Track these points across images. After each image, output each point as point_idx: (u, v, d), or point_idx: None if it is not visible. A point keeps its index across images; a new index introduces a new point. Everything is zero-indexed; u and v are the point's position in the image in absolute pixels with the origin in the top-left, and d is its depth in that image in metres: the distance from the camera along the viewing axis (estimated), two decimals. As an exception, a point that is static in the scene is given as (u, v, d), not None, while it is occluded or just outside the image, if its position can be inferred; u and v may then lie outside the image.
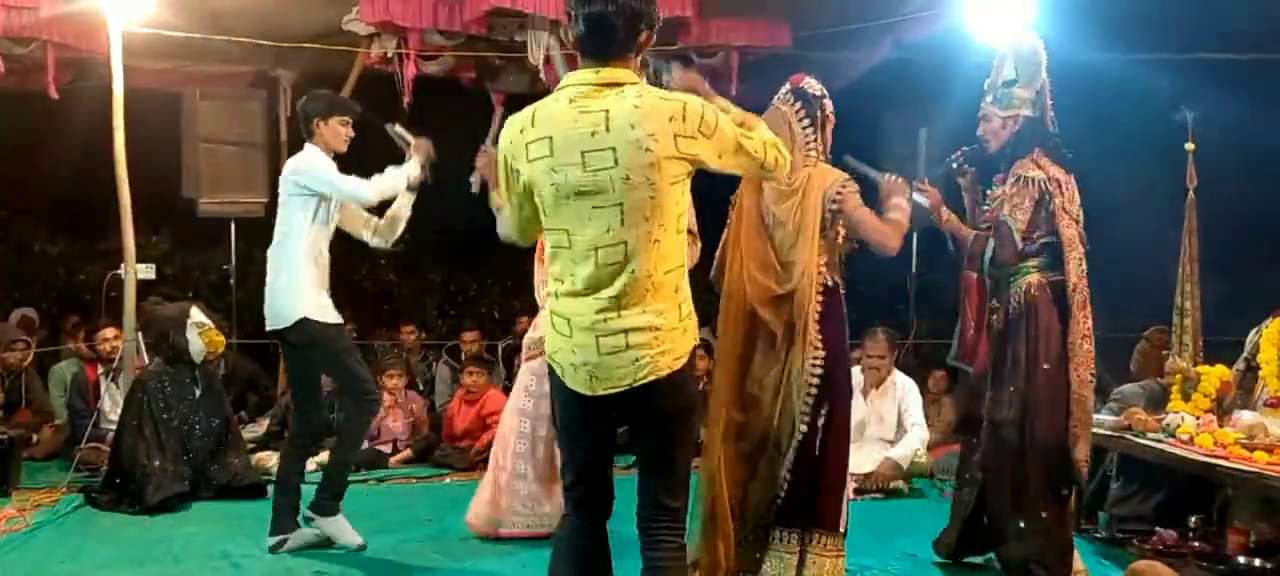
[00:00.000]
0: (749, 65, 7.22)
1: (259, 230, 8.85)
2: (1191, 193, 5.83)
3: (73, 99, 7.05)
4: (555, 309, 2.56)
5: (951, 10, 6.44)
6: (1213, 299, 5.97)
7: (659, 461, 2.60)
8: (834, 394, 3.53)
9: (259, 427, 6.88)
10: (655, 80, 3.45)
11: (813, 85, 3.73)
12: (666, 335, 2.49)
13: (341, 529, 4.42)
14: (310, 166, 4.29)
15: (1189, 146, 5.75)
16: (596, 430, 2.62)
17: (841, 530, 3.55)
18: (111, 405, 6.31)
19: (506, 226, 2.75)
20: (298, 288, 4.24)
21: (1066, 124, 3.98)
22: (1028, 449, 3.77)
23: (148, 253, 7.78)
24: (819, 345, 3.48)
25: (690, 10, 6.58)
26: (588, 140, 2.42)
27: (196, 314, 5.65)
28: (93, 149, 6.41)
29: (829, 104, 3.74)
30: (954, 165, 4.13)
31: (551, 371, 2.61)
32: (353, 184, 4.27)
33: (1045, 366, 3.77)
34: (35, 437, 6.58)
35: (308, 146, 4.40)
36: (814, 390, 3.48)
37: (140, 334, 6.11)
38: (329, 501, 4.45)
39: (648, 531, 2.60)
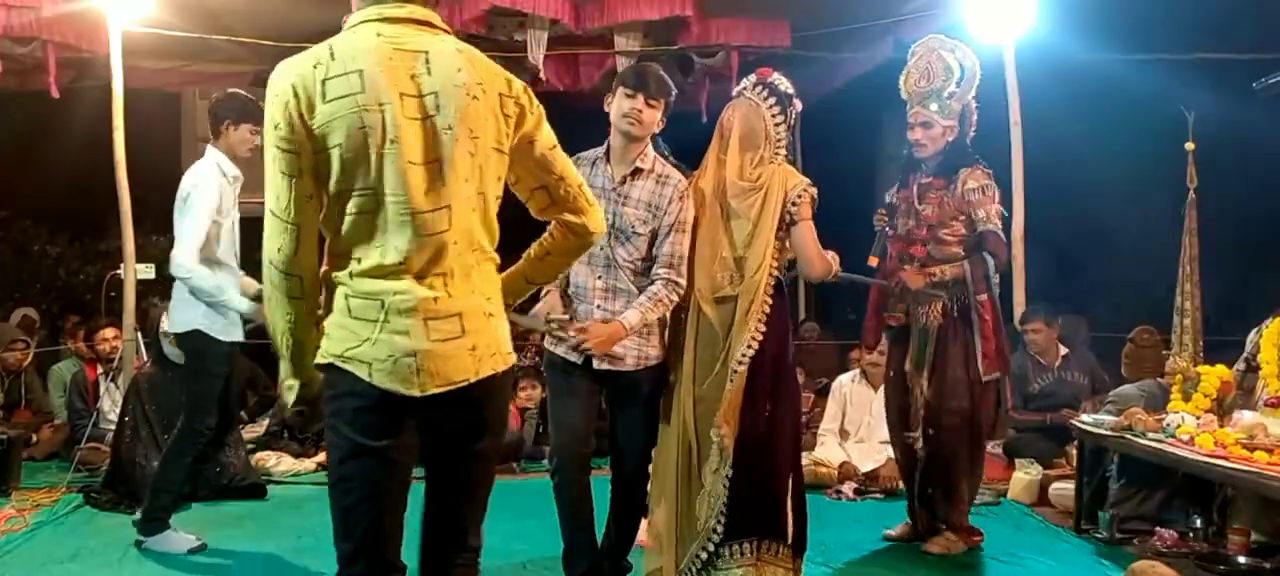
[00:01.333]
0: (749, 65, 7.21)
1: (259, 230, 8.89)
2: (1191, 193, 5.82)
3: (73, 99, 7.06)
4: (354, 290, 2.00)
5: (951, 10, 6.45)
6: (1213, 299, 5.96)
7: (479, 485, 2.14)
8: (777, 395, 3.45)
9: (259, 428, 6.88)
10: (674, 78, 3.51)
11: (783, 82, 3.59)
12: (500, 322, 2.11)
13: (172, 541, 4.35)
14: (189, 200, 4.25)
15: (1189, 146, 5.74)
16: (404, 455, 2.04)
17: (789, 540, 3.43)
18: (111, 405, 6.31)
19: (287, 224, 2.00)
20: (187, 298, 4.26)
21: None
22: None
23: (148, 253, 7.77)
24: (757, 340, 3.38)
25: (690, 10, 6.58)
26: (406, 82, 1.99)
27: (165, 320, 5.54)
28: (93, 149, 6.41)
29: (798, 104, 3.61)
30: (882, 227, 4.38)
31: (333, 376, 2.00)
32: (191, 259, 4.18)
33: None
34: (35, 437, 6.58)
35: (208, 152, 4.35)
36: (746, 385, 3.37)
37: (140, 334, 6.11)
38: (149, 524, 4.34)
39: None
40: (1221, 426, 4.15)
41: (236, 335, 4.36)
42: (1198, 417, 4.29)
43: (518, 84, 2.18)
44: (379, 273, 1.98)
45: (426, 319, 1.98)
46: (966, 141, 4.24)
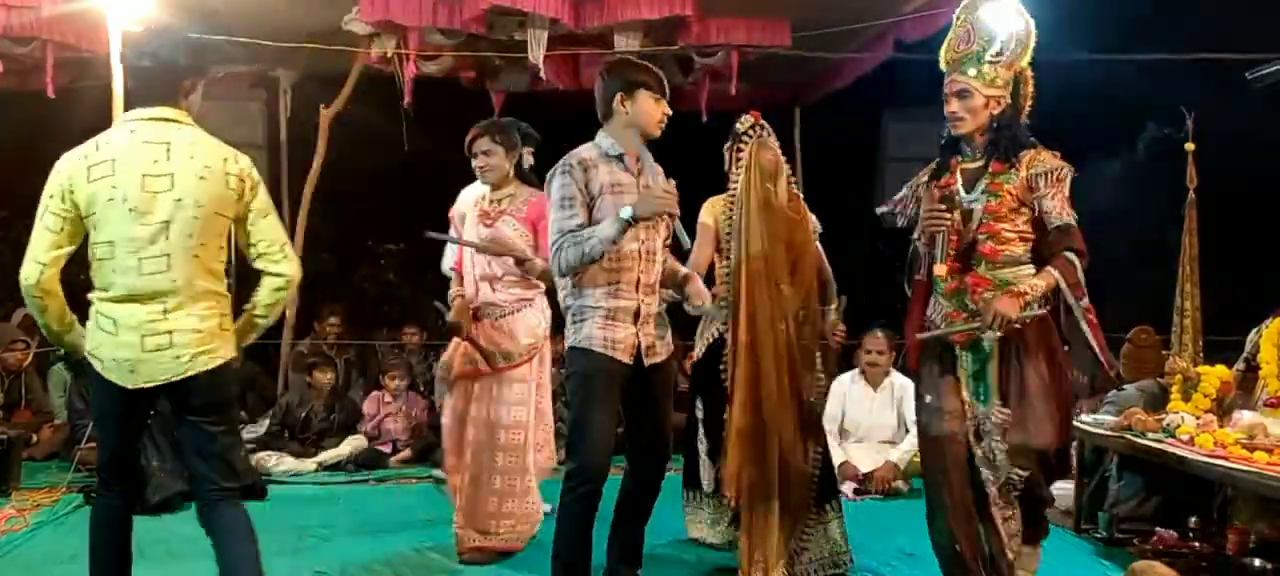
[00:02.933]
0: (749, 65, 7.22)
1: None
2: (1191, 193, 5.83)
3: (73, 99, 7.05)
4: (100, 310, 2.94)
5: (951, 9, 6.44)
6: (1213, 299, 5.97)
7: (207, 442, 3.02)
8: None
9: (259, 428, 6.88)
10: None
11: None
12: (212, 336, 2.95)
13: None
14: None
15: (1189, 146, 5.75)
16: (132, 420, 3.05)
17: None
18: (111, 405, 6.31)
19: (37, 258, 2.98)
20: None
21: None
22: None
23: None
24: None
25: (690, 10, 6.57)
26: (149, 165, 2.86)
27: None
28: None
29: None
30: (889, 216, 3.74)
31: (89, 364, 2.95)
32: None
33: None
34: (35, 437, 6.59)
35: None
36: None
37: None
38: None
39: (215, 509, 3.07)
40: (1221, 426, 4.15)
41: None
42: (1198, 417, 4.29)
43: (242, 163, 3.02)
44: (115, 299, 2.91)
45: (143, 335, 2.87)
46: (1021, 118, 3.46)
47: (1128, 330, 5.62)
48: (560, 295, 3.55)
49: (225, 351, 3.00)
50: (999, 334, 3.23)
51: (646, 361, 3.45)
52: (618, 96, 3.45)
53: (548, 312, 4.31)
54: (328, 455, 6.39)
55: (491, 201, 4.28)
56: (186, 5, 6.55)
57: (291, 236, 7.92)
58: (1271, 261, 6.68)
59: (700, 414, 4.33)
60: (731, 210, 3.94)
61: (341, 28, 6.79)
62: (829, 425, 5.96)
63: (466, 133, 4.38)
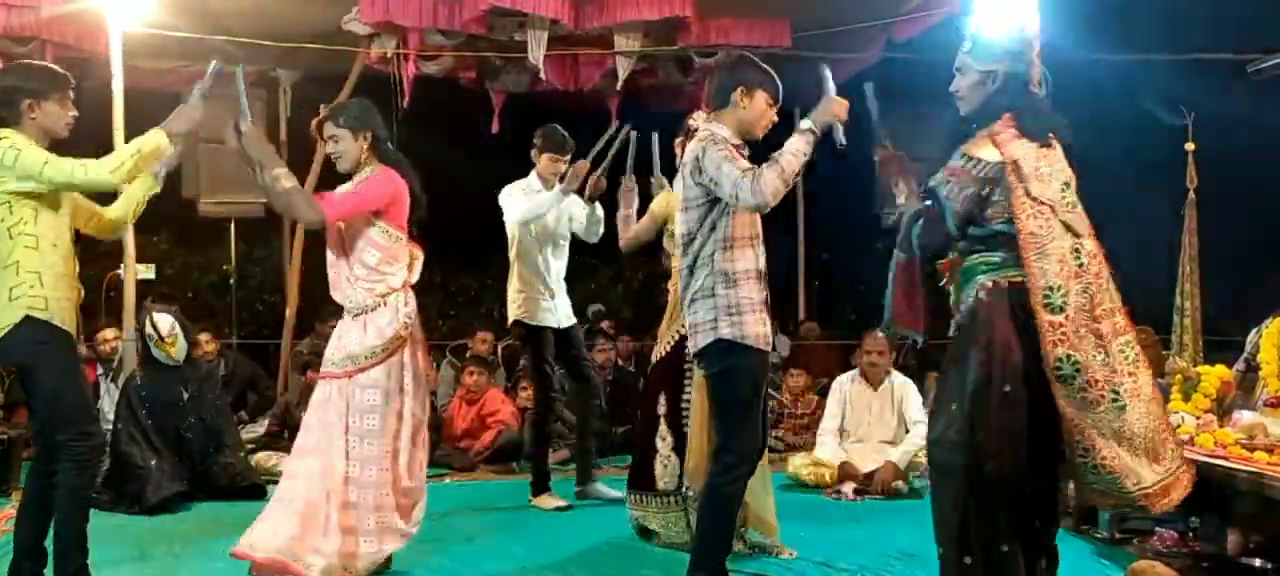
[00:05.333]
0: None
1: (259, 230, 8.91)
2: (1191, 193, 5.83)
3: (73, 99, 7.04)
4: None
5: (950, 8, 6.45)
6: (1213, 299, 5.97)
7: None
8: None
9: (259, 428, 6.88)
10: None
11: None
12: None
13: None
14: None
15: (1189, 146, 5.75)
16: None
17: None
18: (111, 405, 6.31)
19: None
20: None
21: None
22: (974, 481, 3.01)
23: (148, 253, 7.78)
24: None
25: (689, 10, 6.58)
26: None
27: (148, 324, 5.45)
28: (93, 149, 6.39)
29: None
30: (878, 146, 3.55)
31: None
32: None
33: (1005, 389, 2.99)
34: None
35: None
36: None
37: (138, 335, 6.12)
38: None
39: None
40: (1221, 426, 4.15)
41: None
42: (1198, 417, 4.28)
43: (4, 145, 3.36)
44: None
45: None
46: (1020, 94, 3.18)
47: (1127, 330, 5.62)
48: (696, 284, 3.44)
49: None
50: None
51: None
52: (739, 89, 3.48)
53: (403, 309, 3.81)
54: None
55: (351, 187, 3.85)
56: (186, 5, 6.56)
57: (291, 236, 8.02)
58: (1271, 261, 6.68)
59: (662, 410, 4.29)
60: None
61: (341, 28, 6.79)
62: (829, 425, 5.98)
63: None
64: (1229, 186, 6.32)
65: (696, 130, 3.96)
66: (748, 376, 3.42)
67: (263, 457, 6.20)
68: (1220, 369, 4.58)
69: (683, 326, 3.94)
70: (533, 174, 5.17)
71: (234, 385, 7.29)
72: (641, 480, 4.38)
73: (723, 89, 3.49)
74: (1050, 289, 3.00)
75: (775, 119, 3.57)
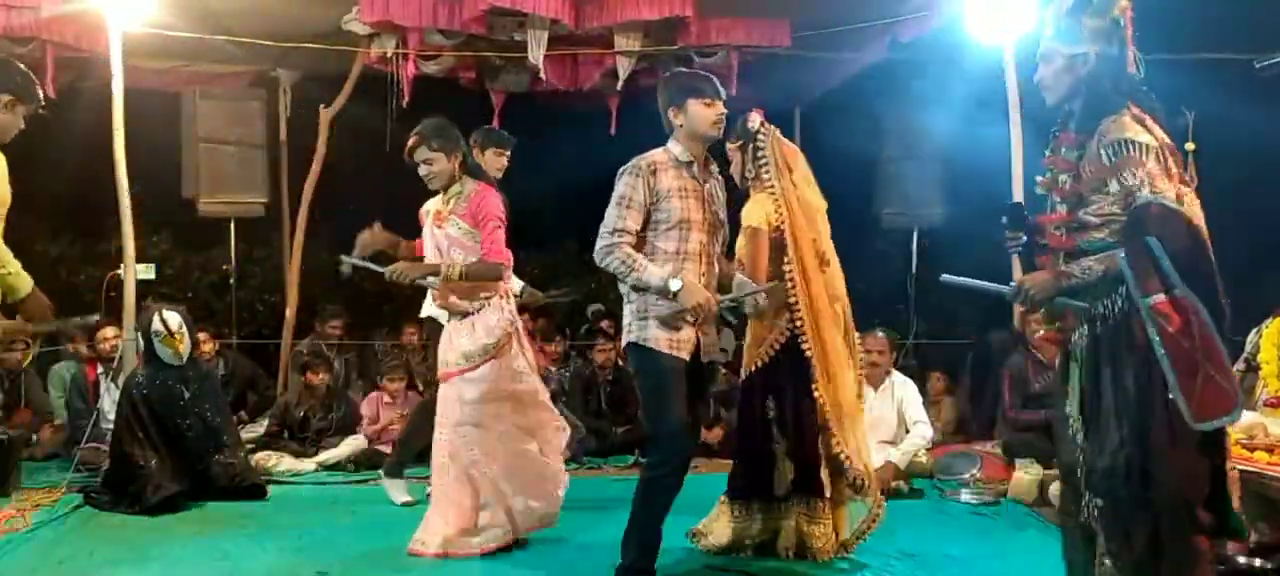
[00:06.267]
0: (748, 65, 7.22)
1: (259, 230, 8.90)
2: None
3: (73, 99, 7.05)
4: None
5: (950, 9, 6.45)
6: (1213, 299, 5.96)
7: None
8: None
9: (259, 428, 6.88)
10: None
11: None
12: None
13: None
14: None
15: (1189, 146, 5.73)
16: None
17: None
18: (111, 405, 6.31)
19: None
20: None
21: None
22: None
23: (148, 253, 7.77)
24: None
25: (690, 10, 6.58)
26: None
27: (155, 321, 5.47)
28: (93, 149, 6.41)
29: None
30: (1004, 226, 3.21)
31: None
32: None
33: (1169, 396, 2.71)
34: (35, 437, 6.59)
35: None
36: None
37: (139, 334, 6.12)
38: None
39: None
40: (1221, 426, 4.14)
41: None
42: (1198, 417, 4.27)
43: None
44: None
45: None
46: (1119, 80, 2.95)
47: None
48: (622, 288, 3.76)
49: None
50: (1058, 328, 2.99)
51: (704, 359, 3.80)
52: (670, 111, 3.72)
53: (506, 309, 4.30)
54: (328, 455, 6.39)
55: (442, 203, 4.30)
56: (186, 5, 6.55)
57: (291, 236, 8.01)
58: (1271, 261, 6.68)
59: (772, 414, 4.18)
60: (779, 208, 4.05)
61: (341, 28, 6.79)
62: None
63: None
64: (1229, 186, 6.31)
65: (757, 133, 4.16)
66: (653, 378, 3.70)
67: (263, 457, 6.21)
68: (1220, 368, 4.57)
69: (786, 327, 4.08)
70: None
71: (234, 385, 7.29)
72: (749, 489, 4.25)
73: (664, 115, 3.75)
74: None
75: (721, 112, 3.72)
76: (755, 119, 4.19)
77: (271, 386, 7.70)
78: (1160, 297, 2.69)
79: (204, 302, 8.68)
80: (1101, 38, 2.92)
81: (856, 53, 7.33)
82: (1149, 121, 2.86)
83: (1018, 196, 6.17)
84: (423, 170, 4.25)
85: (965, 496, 5.39)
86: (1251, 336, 4.63)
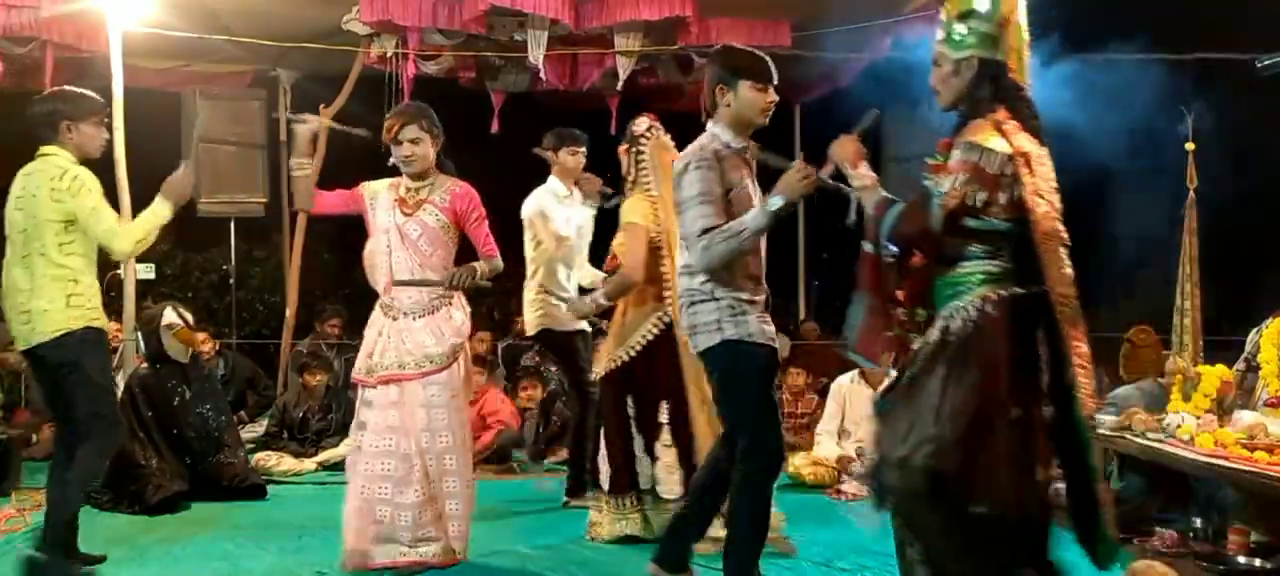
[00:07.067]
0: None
1: (259, 230, 8.91)
2: (1191, 193, 5.83)
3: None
4: None
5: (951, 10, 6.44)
6: (1213, 299, 5.97)
7: (71, 403, 3.85)
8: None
9: (259, 428, 6.88)
10: None
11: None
12: (51, 313, 3.77)
13: None
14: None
15: (1189, 146, 5.75)
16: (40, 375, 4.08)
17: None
18: (111, 404, 6.31)
19: None
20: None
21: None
22: (959, 514, 2.73)
23: (148, 253, 7.76)
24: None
25: (689, 10, 6.58)
26: (17, 186, 3.90)
27: (169, 314, 5.51)
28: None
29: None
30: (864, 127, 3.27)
31: None
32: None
33: (1015, 414, 2.75)
34: (35, 437, 6.58)
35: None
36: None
37: (139, 334, 6.12)
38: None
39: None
40: (1221, 426, 4.14)
41: None
42: (1198, 417, 4.28)
43: (69, 179, 3.82)
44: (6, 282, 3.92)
45: (14, 309, 3.86)
46: (997, 86, 2.92)
47: (1127, 330, 5.63)
48: (688, 284, 3.42)
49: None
50: None
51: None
52: (717, 89, 3.38)
53: (467, 310, 4.20)
54: (327, 455, 6.39)
55: (410, 190, 4.08)
56: (186, 5, 6.56)
57: (291, 236, 8.01)
58: (1271, 261, 6.68)
59: (632, 412, 4.36)
60: (656, 210, 4.15)
61: (341, 27, 6.79)
62: (828, 425, 5.98)
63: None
64: (1229, 186, 6.32)
65: (641, 136, 4.23)
66: (751, 377, 3.41)
67: (263, 457, 6.21)
68: (1220, 369, 4.58)
69: (654, 327, 4.19)
70: (553, 178, 5.17)
71: (234, 385, 7.29)
72: (596, 482, 4.56)
73: (710, 93, 3.44)
74: (1066, 296, 2.80)
75: (773, 100, 3.41)
76: (643, 122, 4.26)
77: (271, 386, 7.70)
78: (867, 248, 2.99)
79: (204, 302, 8.70)
80: (986, 44, 2.92)
81: (856, 53, 7.33)
82: (1010, 129, 2.83)
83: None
84: (408, 149, 4.00)
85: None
86: (1252, 336, 4.63)
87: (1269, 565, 3.96)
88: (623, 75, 7.23)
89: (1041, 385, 2.82)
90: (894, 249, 2.96)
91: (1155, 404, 4.75)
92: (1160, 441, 4.24)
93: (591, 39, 7.09)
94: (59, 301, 3.77)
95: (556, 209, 5.12)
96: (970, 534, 2.73)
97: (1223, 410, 4.41)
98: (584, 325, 5.19)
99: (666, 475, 4.35)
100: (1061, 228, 2.84)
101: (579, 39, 7.07)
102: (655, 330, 4.22)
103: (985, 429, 2.71)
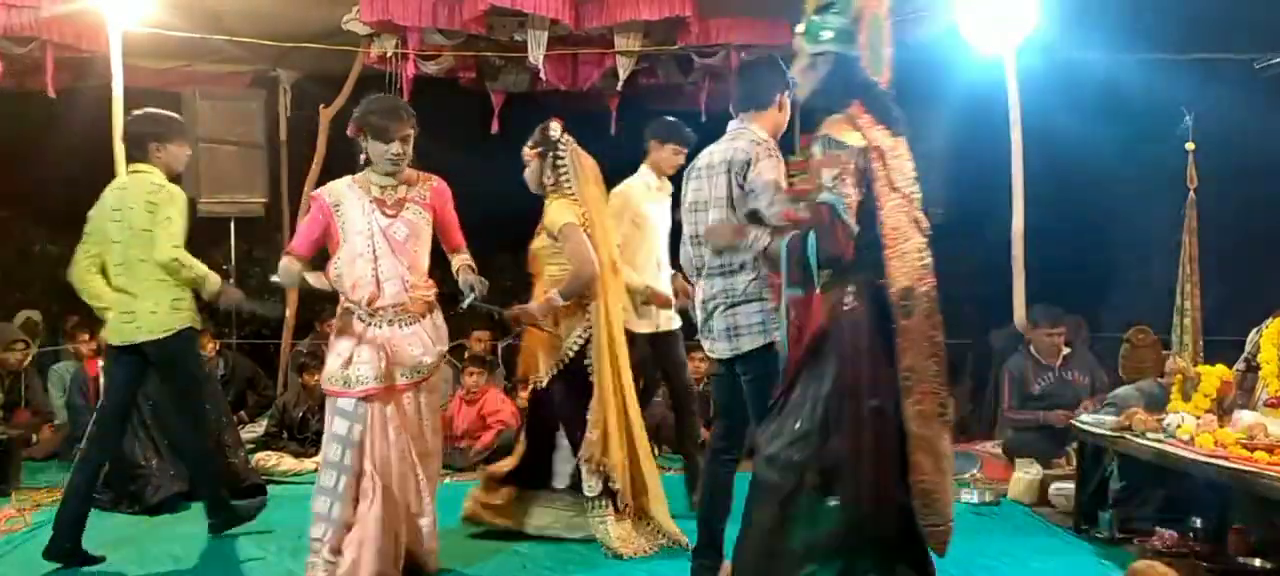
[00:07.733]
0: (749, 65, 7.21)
1: (259, 230, 8.90)
2: (1191, 193, 5.82)
3: (73, 99, 7.05)
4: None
5: (951, 9, 6.44)
6: (1213, 299, 5.96)
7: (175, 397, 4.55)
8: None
9: (259, 428, 6.88)
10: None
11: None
12: (161, 314, 4.29)
13: None
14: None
15: (1189, 146, 5.74)
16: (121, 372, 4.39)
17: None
18: (112, 403, 6.31)
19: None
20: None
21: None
22: (795, 501, 2.88)
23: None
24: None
25: (690, 10, 6.58)
26: (113, 198, 4.39)
27: None
28: (93, 149, 6.41)
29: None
30: None
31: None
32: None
33: (874, 403, 2.83)
34: (35, 437, 6.58)
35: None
36: None
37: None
38: None
39: None
40: (1221, 426, 4.15)
41: None
42: (1198, 417, 4.28)
43: (162, 193, 4.26)
44: (111, 286, 4.32)
45: (116, 310, 4.30)
46: (858, 79, 2.97)
47: (1127, 330, 5.63)
48: (726, 286, 3.45)
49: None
50: None
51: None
52: (783, 92, 3.50)
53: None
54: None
55: (387, 189, 3.90)
56: (186, 5, 6.56)
57: (291, 236, 7.99)
58: (1271, 261, 6.68)
59: (562, 413, 4.42)
60: (584, 214, 4.24)
61: (341, 27, 6.79)
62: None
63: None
64: (1229, 186, 6.31)
65: (558, 141, 4.28)
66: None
67: (263, 457, 6.21)
68: (1220, 369, 4.58)
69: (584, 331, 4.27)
70: (646, 168, 5.00)
71: (234, 385, 7.28)
72: (545, 480, 4.59)
73: (768, 88, 3.48)
74: (905, 291, 2.84)
75: (783, 121, 3.62)
76: (556, 127, 4.31)
77: (270, 386, 7.69)
78: (797, 292, 2.94)
79: (204, 303, 8.69)
80: (842, 38, 2.95)
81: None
82: (864, 123, 2.88)
83: (1019, 197, 6.17)
84: (400, 149, 3.83)
85: (965, 496, 5.38)
86: (1252, 336, 4.63)
87: (1269, 565, 3.96)
88: (623, 75, 7.23)
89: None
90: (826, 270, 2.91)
91: (1155, 404, 4.75)
92: (1160, 441, 4.24)
93: (591, 39, 7.09)
94: (165, 304, 4.28)
95: (645, 201, 4.95)
96: (822, 522, 2.82)
97: (1223, 410, 4.41)
98: (671, 324, 5.02)
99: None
100: (921, 218, 2.95)
101: (579, 39, 7.07)
102: (585, 335, 4.30)
103: (844, 418, 2.82)
